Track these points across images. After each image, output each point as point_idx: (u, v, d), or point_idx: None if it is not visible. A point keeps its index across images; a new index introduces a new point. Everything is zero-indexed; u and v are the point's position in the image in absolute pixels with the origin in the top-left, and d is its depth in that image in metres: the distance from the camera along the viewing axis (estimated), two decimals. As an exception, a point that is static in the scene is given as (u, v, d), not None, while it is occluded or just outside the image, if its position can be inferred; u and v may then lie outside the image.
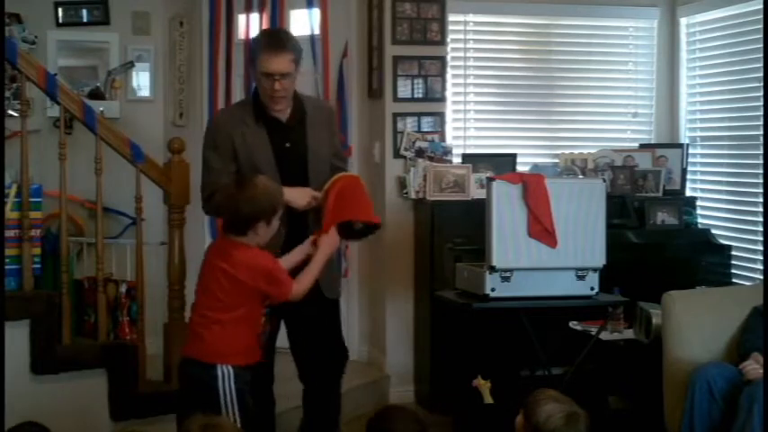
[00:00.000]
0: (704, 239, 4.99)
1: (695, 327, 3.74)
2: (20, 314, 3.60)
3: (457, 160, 5.04)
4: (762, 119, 4.54)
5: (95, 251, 3.93)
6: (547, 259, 3.87)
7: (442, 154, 4.99)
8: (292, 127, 3.44)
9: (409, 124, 5.02)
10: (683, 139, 5.44)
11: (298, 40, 3.46)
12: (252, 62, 3.41)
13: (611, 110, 5.56)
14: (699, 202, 5.26)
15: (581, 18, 5.44)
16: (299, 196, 3.33)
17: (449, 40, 5.13)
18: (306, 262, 3.21)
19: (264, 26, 5.29)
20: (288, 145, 3.42)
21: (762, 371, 3.35)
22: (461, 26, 5.24)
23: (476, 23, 5.29)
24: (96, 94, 5.21)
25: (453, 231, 4.64)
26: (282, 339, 3.56)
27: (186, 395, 3.07)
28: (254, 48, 3.40)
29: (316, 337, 3.52)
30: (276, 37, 3.44)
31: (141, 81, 5.42)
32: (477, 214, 4.09)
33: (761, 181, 4.69)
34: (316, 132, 3.47)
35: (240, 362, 2.99)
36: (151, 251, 4.44)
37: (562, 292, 3.93)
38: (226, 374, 2.95)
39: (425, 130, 5.04)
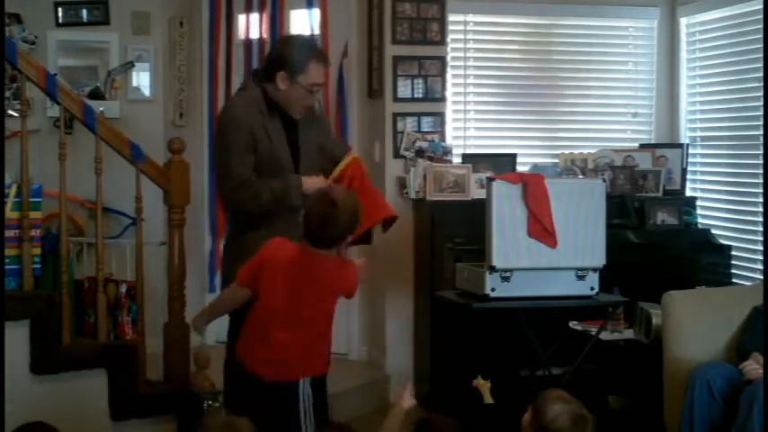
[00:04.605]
0: (704, 239, 4.99)
1: (695, 327, 3.74)
2: (20, 314, 3.60)
3: (457, 160, 5.04)
4: (762, 119, 4.54)
5: (95, 251, 3.93)
6: (547, 259, 3.87)
7: (442, 154, 4.99)
8: (294, 124, 3.49)
9: (409, 124, 5.02)
10: (683, 139, 5.44)
11: None
12: (287, 66, 3.35)
13: (611, 110, 5.56)
14: (699, 202, 5.25)
15: (581, 18, 5.44)
16: (315, 185, 3.37)
17: (449, 40, 5.13)
18: None
19: (264, 26, 5.30)
20: (292, 140, 3.49)
21: (762, 371, 3.35)
22: (461, 26, 5.24)
23: (476, 23, 5.30)
24: (96, 94, 5.20)
25: (453, 231, 4.63)
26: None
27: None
28: (300, 57, 3.37)
29: None
30: (321, 49, 3.54)
31: (141, 81, 5.42)
32: (477, 214, 4.09)
33: (761, 181, 4.69)
34: (305, 129, 3.53)
35: None
36: (151, 251, 4.43)
37: (562, 292, 3.93)
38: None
39: (425, 130, 5.04)
